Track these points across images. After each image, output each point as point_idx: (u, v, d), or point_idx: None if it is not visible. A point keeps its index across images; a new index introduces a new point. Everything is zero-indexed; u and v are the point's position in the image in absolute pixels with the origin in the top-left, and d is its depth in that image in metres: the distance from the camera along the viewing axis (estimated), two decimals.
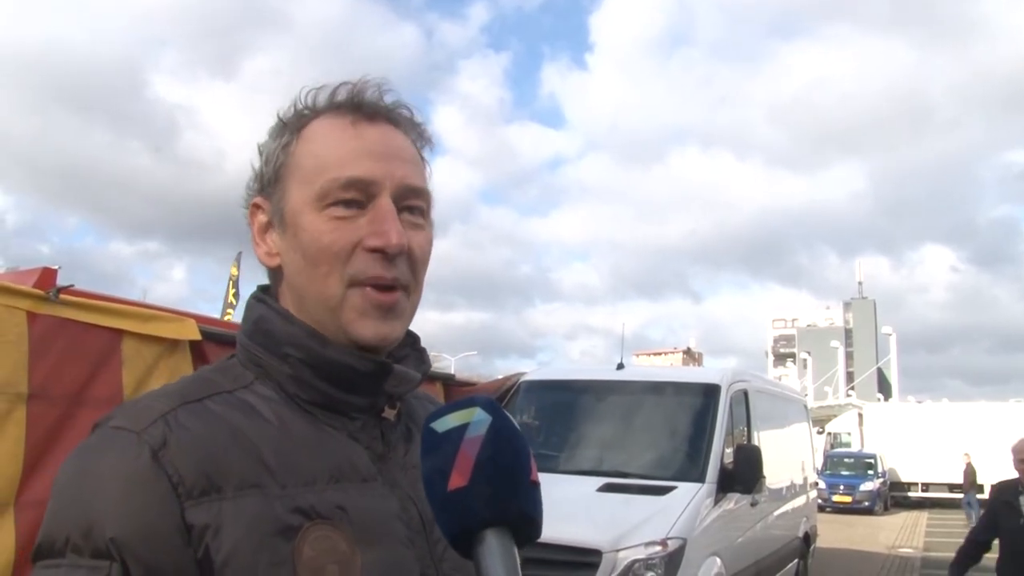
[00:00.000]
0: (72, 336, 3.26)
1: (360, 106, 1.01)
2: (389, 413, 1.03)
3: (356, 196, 0.97)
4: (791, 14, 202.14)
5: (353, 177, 0.97)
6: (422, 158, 1.05)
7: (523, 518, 0.78)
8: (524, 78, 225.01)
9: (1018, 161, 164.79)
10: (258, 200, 1.04)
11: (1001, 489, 5.82)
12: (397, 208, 0.98)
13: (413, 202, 1.00)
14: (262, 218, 1.04)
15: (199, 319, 3.84)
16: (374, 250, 0.96)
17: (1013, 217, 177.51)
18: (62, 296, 3.19)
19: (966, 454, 24.06)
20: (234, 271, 15.77)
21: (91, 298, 3.41)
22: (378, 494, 0.97)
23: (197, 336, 3.72)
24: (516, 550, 0.77)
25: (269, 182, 1.02)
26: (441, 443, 0.79)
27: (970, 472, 22.96)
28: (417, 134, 1.06)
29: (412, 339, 1.08)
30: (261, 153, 1.05)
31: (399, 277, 0.98)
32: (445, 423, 0.80)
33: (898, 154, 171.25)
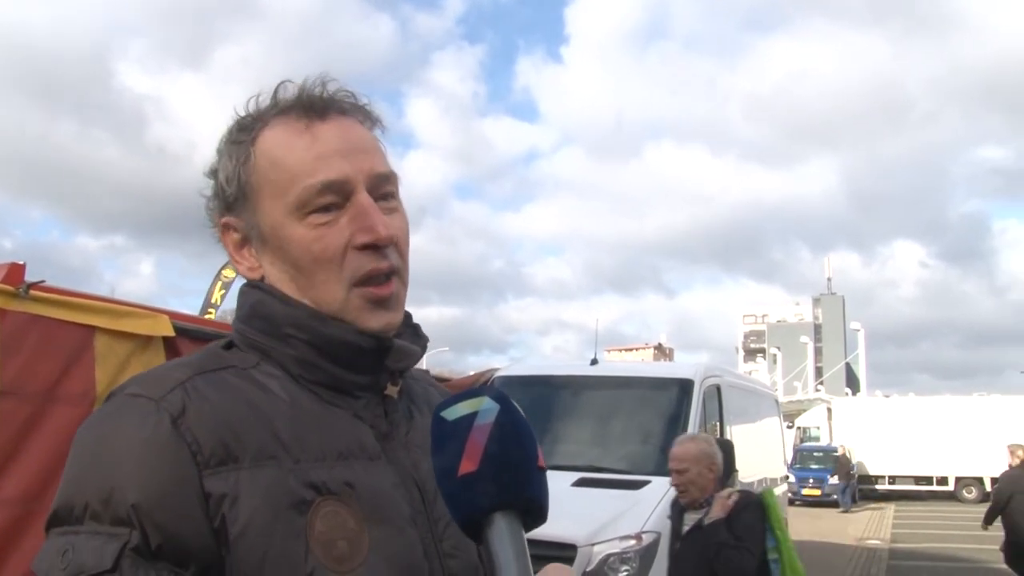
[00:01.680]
0: (43, 332, 3.22)
1: (307, 104, 1.01)
2: (392, 390, 1.05)
3: (333, 199, 0.98)
4: (767, 7, 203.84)
5: (327, 181, 0.97)
6: (378, 140, 1.06)
7: (531, 502, 0.81)
8: (499, 71, 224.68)
9: (989, 157, 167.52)
10: (227, 219, 1.04)
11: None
12: (373, 198, 0.99)
13: (385, 188, 1.02)
14: (235, 235, 1.04)
15: (172, 315, 3.81)
16: (365, 247, 0.98)
17: (982, 212, 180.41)
18: (32, 292, 3.15)
19: (841, 445, 25.12)
20: (230, 273, 15.39)
21: (62, 294, 3.36)
22: (383, 472, 0.98)
23: (171, 332, 3.69)
24: (524, 533, 0.79)
25: (235, 200, 1.02)
26: (451, 431, 0.81)
27: (844, 462, 24.16)
28: (367, 117, 1.06)
29: (405, 315, 1.09)
30: (215, 174, 1.05)
31: (392, 264, 1.00)
32: (455, 411, 0.82)
33: (872, 149, 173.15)
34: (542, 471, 0.83)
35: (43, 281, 3.25)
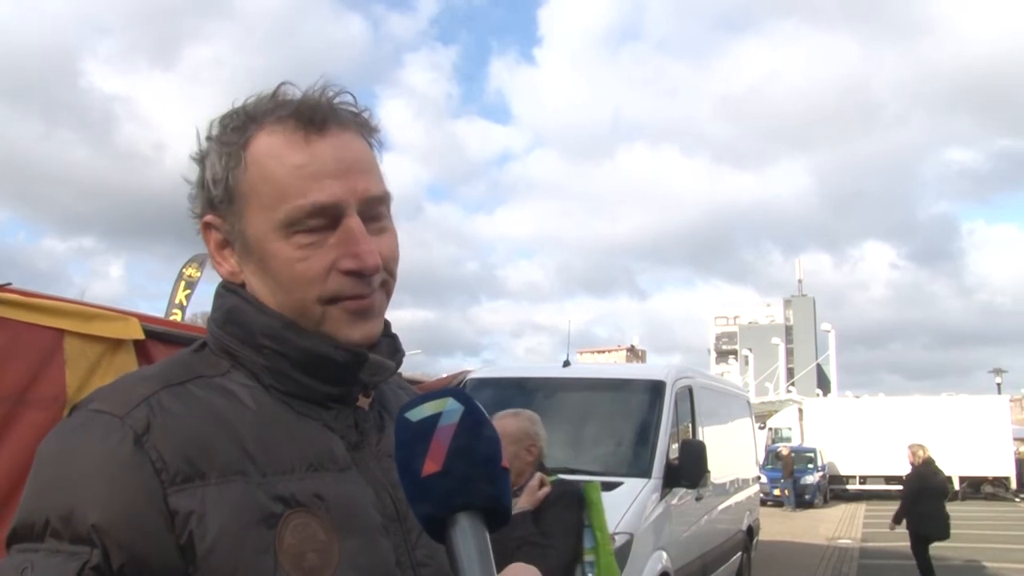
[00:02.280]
0: (11, 335, 3.19)
1: (307, 115, 0.98)
2: (363, 402, 1.04)
3: (322, 222, 0.96)
4: (740, 9, 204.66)
5: (318, 204, 0.95)
6: (375, 153, 1.04)
7: (494, 502, 0.81)
8: (472, 72, 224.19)
9: (957, 159, 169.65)
10: (210, 218, 1.02)
11: None
12: (364, 220, 0.97)
13: (377, 209, 1.00)
14: (217, 235, 1.02)
15: (142, 318, 3.78)
16: (350, 272, 0.96)
17: (951, 214, 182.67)
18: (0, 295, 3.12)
19: (784, 446, 26.52)
20: (194, 273, 15.23)
21: (30, 297, 3.33)
22: (354, 483, 0.97)
23: (141, 335, 3.67)
24: (487, 533, 0.80)
25: (221, 201, 1.00)
26: (415, 431, 0.82)
27: (788, 463, 24.65)
28: (364, 127, 1.04)
29: (384, 325, 1.07)
30: (201, 163, 1.02)
31: (373, 293, 0.99)
32: (419, 412, 0.82)
33: (843, 151, 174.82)
34: (505, 471, 0.83)
35: (10, 283, 3.22)
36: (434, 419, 0.82)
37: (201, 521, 0.85)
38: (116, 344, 3.61)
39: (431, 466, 0.79)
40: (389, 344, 1.07)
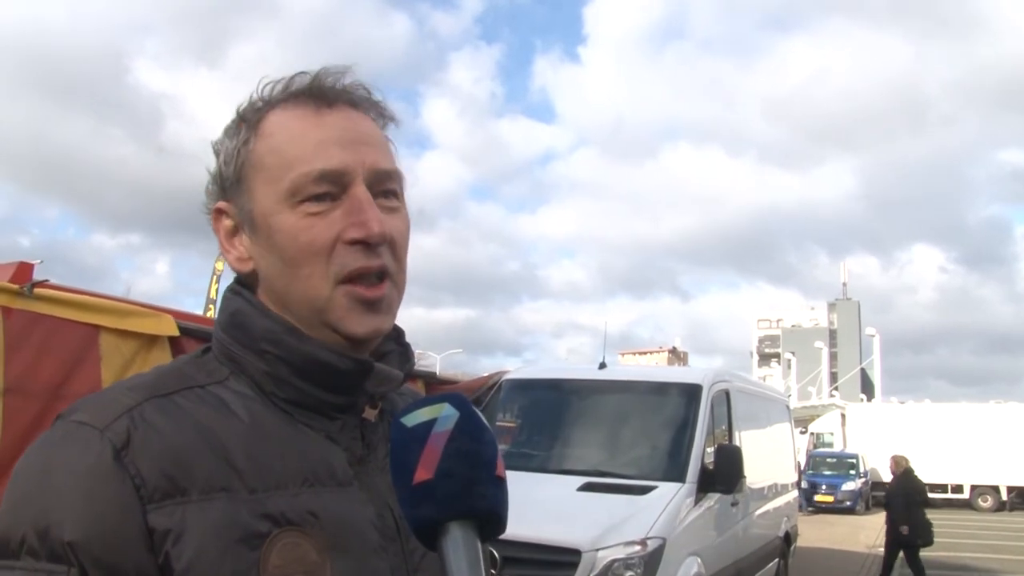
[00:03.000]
0: (48, 331, 3.24)
1: (317, 92, 0.97)
2: (370, 413, 1.00)
3: (329, 189, 0.93)
4: (785, 7, 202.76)
5: (324, 170, 0.92)
6: (387, 138, 1.01)
7: (487, 512, 0.78)
8: (516, 71, 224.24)
9: (1010, 160, 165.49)
10: (221, 205, 0.99)
11: None
12: (372, 194, 0.94)
13: (386, 186, 0.97)
14: (228, 223, 0.99)
15: (177, 315, 3.84)
16: (355, 242, 0.92)
17: (1003, 217, 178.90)
18: (37, 291, 3.18)
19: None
20: (219, 266, 15.54)
21: (67, 292, 3.39)
22: (354, 499, 0.94)
23: (175, 332, 3.72)
24: (479, 543, 0.77)
25: (231, 184, 0.97)
26: (410, 438, 0.79)
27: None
28: (378, 113, 1.01)
29: (396, 333, 1.04)
30: (218, 153, 1.00)
31: (385, 265, 0.94)
32: (414, 418, 0.80)
33: (892, 152, 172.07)
34: (501, 480, 0.80)
35: (48, 280, 3.28)
36: (429, 425, 0.79)
37: (178, 541, 0.82)
38: (151, 340, 3.66)
39: (423, 473, 0.77)
40: (400, 354, 1.04)
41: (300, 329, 0.95)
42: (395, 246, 0.96)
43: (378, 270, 0.94)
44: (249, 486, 0.87)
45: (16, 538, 0.82)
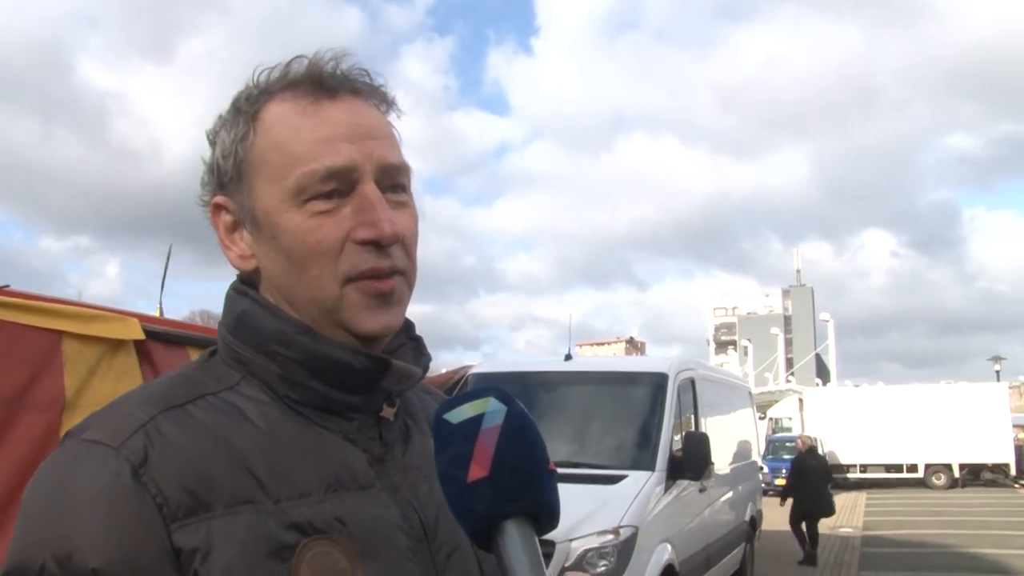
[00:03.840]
0: (8, 338, 3.15)
1: (317, 80, 0.92)
2: (387, 412, 0.96)
3: (336, 186, 0.89)
4: None
5: (332, 167, 0.88)
6: (391, 126, 0.98)
7: (543, 507, 0.76)
8: (469, 63, 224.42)
9: (957, 145, 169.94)
10: (220, 199, 0.95)
11: None
12: (380, 189, 0.91)
13: (395, 180, 0.93)
14: (227, 218, 0.95)
15: (142, 318, 3.74)
16: (366, 242, 0.89)
17: (951, 201, 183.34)
18: None
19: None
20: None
21: (28, 298, 3.30)
22: (378, 502, 0.90)
23: (141, 335, 3.63)
24: (536, 539, 0.75)
25: (230, 179, 0.93)
26: (457, 434, 0.76)
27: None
28: (380, 99, 0.97)
29: (407, 326, 1.01)
30: (213, 144, 0.95)
31: (396, 264, 0.91)
32: (459, 414, 0.77)
33: (843, 138, 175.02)
34: (553, 474, 0.78)
35: (7, 286, 3.19)
36: (476, 420, 0.76)
37: (206, 559, 0.79)
38: (116, 345, 3.57)
39: (477, 471, 0.73)
40: (413, 348, 1.01)
41: (313, 329, 0.91)
42: (406, 244, 0.93)
43: (389, 271, 0.91)
44: (273, 496, 0.84)
45: (35, 567, 0.78)
